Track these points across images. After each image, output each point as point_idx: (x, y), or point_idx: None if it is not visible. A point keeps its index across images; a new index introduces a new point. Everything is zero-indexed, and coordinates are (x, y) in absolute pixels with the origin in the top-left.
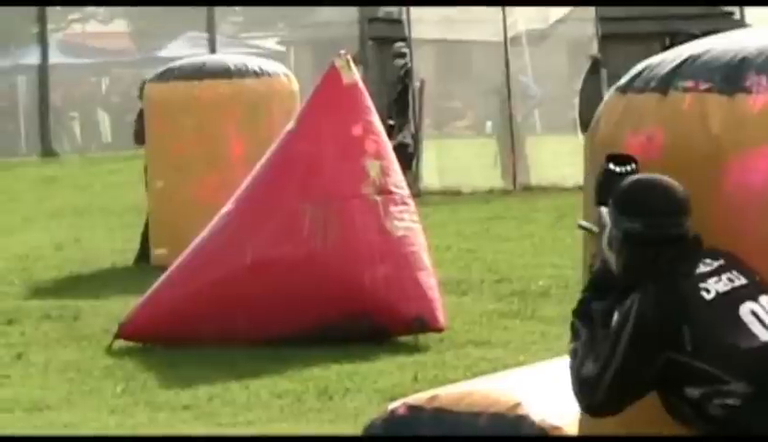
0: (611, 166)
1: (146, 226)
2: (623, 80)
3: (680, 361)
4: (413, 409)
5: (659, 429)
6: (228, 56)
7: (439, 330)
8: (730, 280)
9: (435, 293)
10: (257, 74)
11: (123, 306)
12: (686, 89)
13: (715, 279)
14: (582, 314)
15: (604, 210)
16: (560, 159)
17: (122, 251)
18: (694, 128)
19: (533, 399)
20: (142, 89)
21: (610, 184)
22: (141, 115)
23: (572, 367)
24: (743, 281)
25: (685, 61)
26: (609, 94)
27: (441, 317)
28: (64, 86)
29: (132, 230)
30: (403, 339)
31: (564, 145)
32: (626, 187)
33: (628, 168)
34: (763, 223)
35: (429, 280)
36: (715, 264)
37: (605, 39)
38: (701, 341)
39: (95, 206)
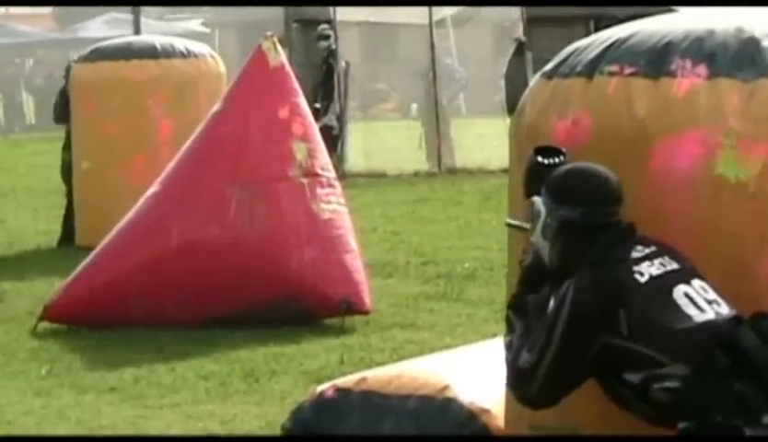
0: (539, 158)
1: (68, 207)
2: (549, 66)
3: (617, 345)
4: (342, 391)
5: (594, 416)
6: (155, 37)
7: (366, 312)
8: (662, 265)
9: (361, 275)
10: (184, 55)
11: (48, 287)
12: (611, 73)
13: (647, 263)
14: (516, 307)
15: (538, 199)
16: (485, 142)
17: (46, 233)
18: (620, 112)
19: (461, 381)
20: (68, 71)
21: (539, 176)
22: (62, 93)
23: (508, 360)
24: (675, 266)
25: (611, 45)
26: (534, 80)
27: (367, 299)
28: None
29: (56, 212)
30: (330, 321)
31: (489, 128)
32: (561, 175)
33: (556, 159)
34: (688, 205)
35: (355, 262)
36: (647, 251)
37: (530, 22)
38: (637, 324)
39: (19, 188)
